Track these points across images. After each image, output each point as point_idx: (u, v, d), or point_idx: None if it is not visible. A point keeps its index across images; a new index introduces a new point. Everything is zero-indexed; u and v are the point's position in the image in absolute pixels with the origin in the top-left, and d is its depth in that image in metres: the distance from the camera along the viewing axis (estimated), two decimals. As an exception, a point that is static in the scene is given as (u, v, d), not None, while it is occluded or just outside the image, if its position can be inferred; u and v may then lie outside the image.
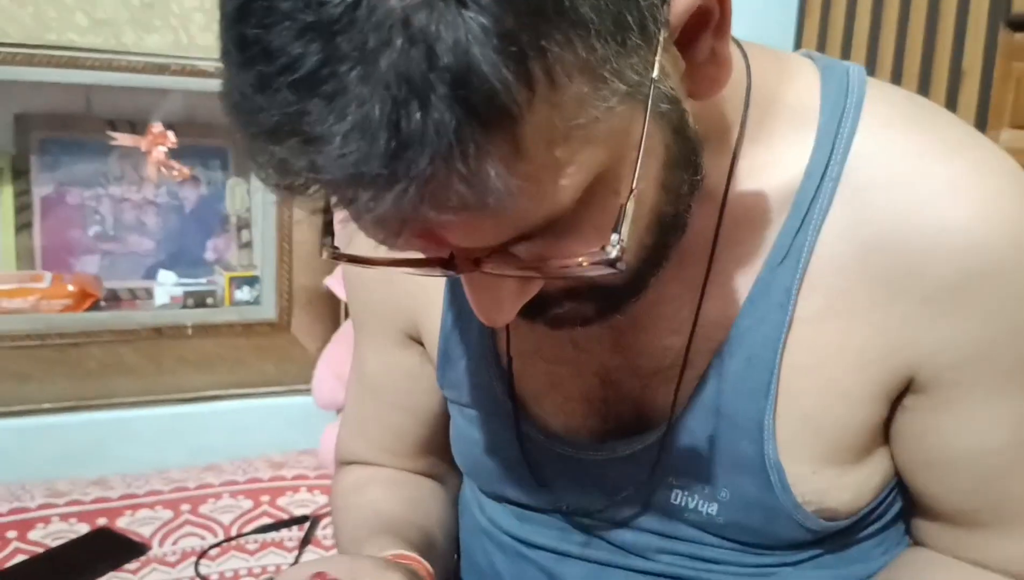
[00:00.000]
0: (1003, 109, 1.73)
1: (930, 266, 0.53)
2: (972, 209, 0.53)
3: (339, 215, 0.45)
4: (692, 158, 0.49)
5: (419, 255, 0.45)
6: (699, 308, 0.58)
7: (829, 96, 0.57)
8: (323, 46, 0.35)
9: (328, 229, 0.48)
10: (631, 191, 0.42)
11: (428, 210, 0.38)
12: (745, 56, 0.58)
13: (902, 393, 0.57)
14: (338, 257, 0.48)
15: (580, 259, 0.43)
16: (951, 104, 1.78)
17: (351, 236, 0.54)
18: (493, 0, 0.35)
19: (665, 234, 0.50)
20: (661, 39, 0.42)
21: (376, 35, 0.35)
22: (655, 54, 0.42)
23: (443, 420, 0.75)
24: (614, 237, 0.41)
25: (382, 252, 0.46)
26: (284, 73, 0.36)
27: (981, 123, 1.75)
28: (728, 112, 0.56)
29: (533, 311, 0.50)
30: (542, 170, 0.39)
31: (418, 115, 0.35)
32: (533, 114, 0.37)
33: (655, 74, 0.42)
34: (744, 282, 0.58)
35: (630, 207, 0.42)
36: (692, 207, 0.52)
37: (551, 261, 0.44)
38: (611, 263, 0.42)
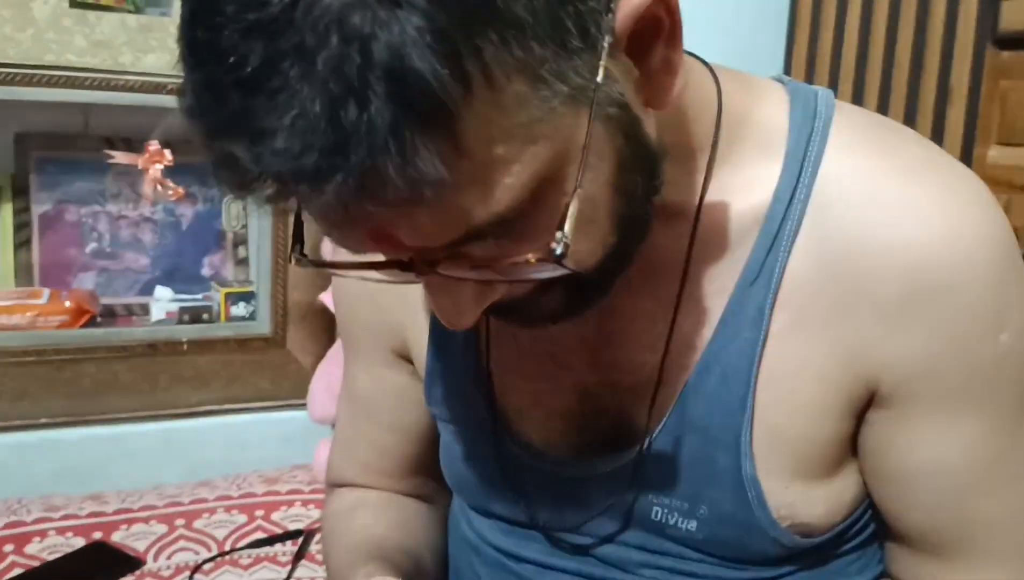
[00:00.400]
0: (991, 126, 1.74)
1: (883, 282, 0.55)
2: (926, 228, 0.54)
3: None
4: (648, 163, 0.50)
5: (380, 258, 0.46)
6: (673, 325, 0.60)
7: (797, 119, 0.59)
8: (265, 45, 0.37)
9: (297, 236, 0.50)
10: (575, 189, 0.43)
11: (367, 202, 0.39)
12: (716, 79, 0.60)
13: (866, 407, 0.59)
14: (303, 262, 0.49)
15: (528, 256, 0.44)
16: (939, 122, 1.80)
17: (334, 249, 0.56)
18: (426, 0, 0.36)
19: (626, 235, 0.50)
20: (605, 44, 0.43)
21: (313, 34, 0.36)
22: (599, 59, 0.43)
23: (432, 438, 0.76)
24: (559, 234, 0.43)
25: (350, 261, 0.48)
26: (230, 72, 0.38)
27: (969, 140, 1.77)
28: (699, 133, 0.58)
29: (502, 311, 0.52)
30: (484, 167, 0.41)
31: (355, 111, 0.36)
32: (471, 111, 0.38)
33: (600, 78, 0.43)
34: (718, 300, 0.59)
35: (574, 206, 0.43)
36: (658, 215, 0.53)
37: (503, 261, 0.45)
38: (558, 260, 0.43)
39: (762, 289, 0.58)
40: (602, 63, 0.43)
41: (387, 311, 0.73)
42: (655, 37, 0.46)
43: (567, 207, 0.43)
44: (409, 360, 0.74)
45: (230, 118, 0.39)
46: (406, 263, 0.45)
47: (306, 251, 0.50)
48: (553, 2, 0.40)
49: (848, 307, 0.56)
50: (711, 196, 0.59)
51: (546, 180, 0.43)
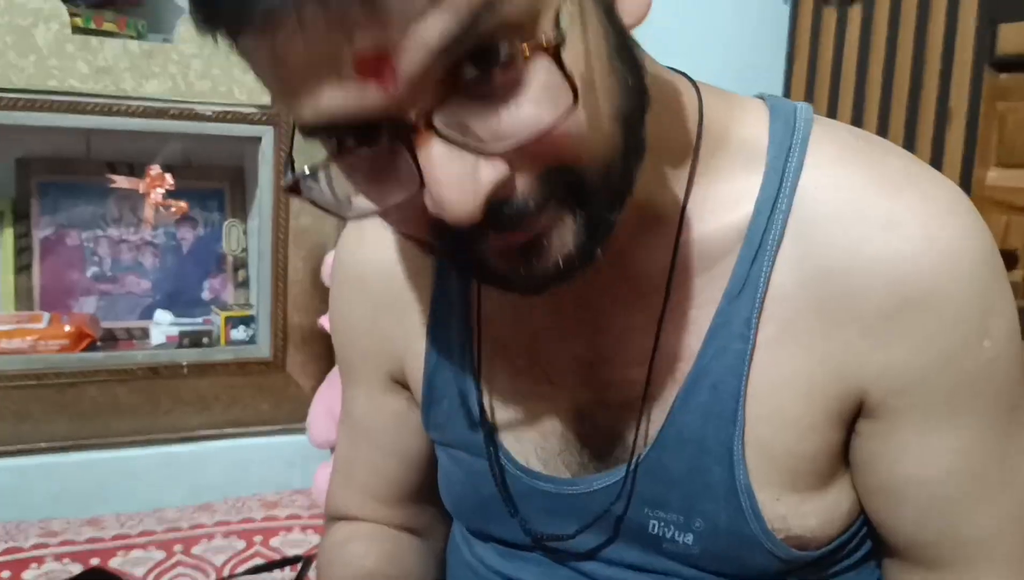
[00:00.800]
0: (989, 148, 1.75)
1: (868, 295, 0.55)
2: (907, 240, 0.55)
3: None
4: (634, 62, 0.50)
5: (383, 187, 0.46)
6: (657, 339, 0.60)
7: (777, 132, 0.59)
8: None
9: (290, 164, 0.48)
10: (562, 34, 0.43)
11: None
12: (699, 93, 0.60)
13: (855, 418, 0.59)
14: (295, 185, 0.47)
15: (525, 51, 0.42)
16: (938, 144, 1.81)
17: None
18: None
19: (628, 136, 0.49)
20: None
21: None
22: None
23: (431, 464, 0.76)
24: (552, 31, 0.43)
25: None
26: None
27: (968, 162, 1.78)
28: (681, 144, 0.59)
29: (505, 228, 0.47)
30: None
31: None
32: None
33: None
34: (704, 313, 0.59)
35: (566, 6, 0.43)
36: (641, 226, 0.53)
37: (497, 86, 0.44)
38: (555, 53, 0.42)
39: (747, 301, 0.58)
40: None
41: (384, 337, 0.73)
42: None
43: (559, 11, 0.43)
44: (406, 386, 0.74)
45: None
46: (398, 123, 0.43)
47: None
48: None
49: (834, 319, 0.57)
50: (693, 207, 0.59)
51: (531, 37, 0.43)
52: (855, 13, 1.93)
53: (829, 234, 0.56)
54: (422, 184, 0.45)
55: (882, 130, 1.88)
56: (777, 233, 0.57)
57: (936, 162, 1.79)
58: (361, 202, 0.48)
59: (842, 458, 0.61)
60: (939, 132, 1.80)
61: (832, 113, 1.98)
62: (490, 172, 0.44)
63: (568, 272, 0.50)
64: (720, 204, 0.59)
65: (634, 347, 0.61)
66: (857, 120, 1.93)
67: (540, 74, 0.44)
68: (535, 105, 0.44)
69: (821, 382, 0.57)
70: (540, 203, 0.47)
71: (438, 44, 0.41)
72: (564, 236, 0.48)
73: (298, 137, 0.47)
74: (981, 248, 0.56)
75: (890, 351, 0.56)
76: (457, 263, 0.54)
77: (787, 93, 2.06)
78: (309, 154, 0.48)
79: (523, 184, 0.46)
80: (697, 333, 0.60)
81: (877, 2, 1.89)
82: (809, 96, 2.02)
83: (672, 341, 0.60)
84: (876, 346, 0.56)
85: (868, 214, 0.56)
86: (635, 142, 0.50)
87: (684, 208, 0.59)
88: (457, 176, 0.44)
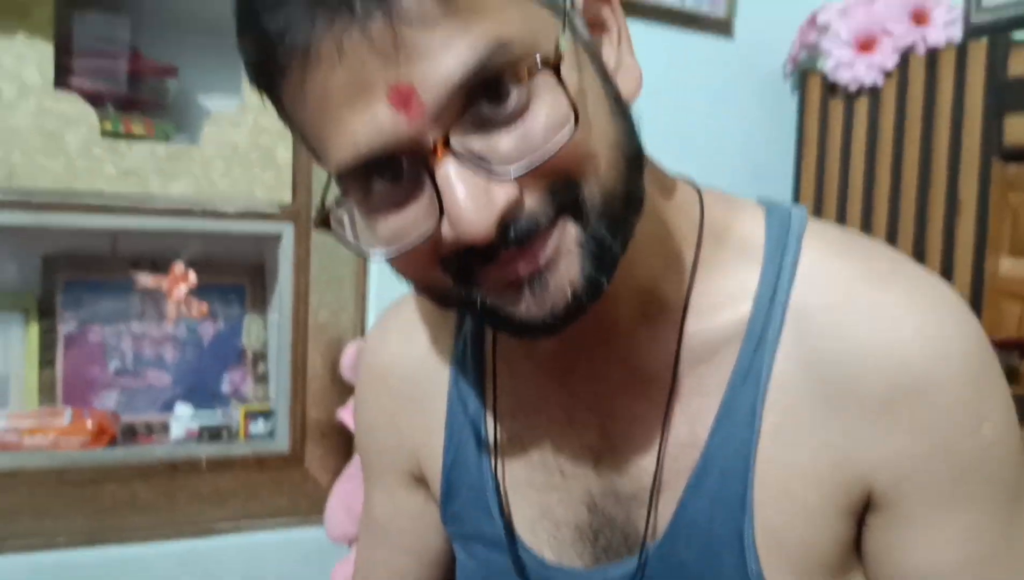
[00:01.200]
0: (1001, 238, 1.76)
1: (863, 385, 0.57)
2: (898, 330, 0.57)
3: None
4: (631, 128, 0.55)
5: (403, 224, 0.51)
6: (663, 430, 0.61)
7: (773, 231, 0.62)
8: None
9: (322, 205, 0.53)
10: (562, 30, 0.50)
11: (392, 22, 0.45)
12: (699, 195, 0.63)
13: (864, 510, 0.59)
14: (324, 217, 0.53)
15: (527, 65, 0.48)
16: (948, 235, 1.82)
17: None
18: None
19: (631, 171, 0.54)
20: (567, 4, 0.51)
21: None
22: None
23: (449, 563, 0.77)
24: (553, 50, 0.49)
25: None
26: None
27: (980, 252, 1.79)
28: (683, 243, 0.62)
29: (518, 246, 0.51)
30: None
31: None
32: None
33: (568, 4, 0.51)
34: (710, 403, 0.61)
35: (563, 39, 0.49)
36: (644, 318, 0.56)
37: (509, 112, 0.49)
38: (555, 66, 0.48)
39: (751, 390, 0.60)
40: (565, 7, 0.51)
41: (404, 434, 0.74)
42: (602, 34, 0.55)
43: (558, 40, 0.49)
44: (425, 482, 0.75)
45: None
46: (419, 149, 0.48)
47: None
48: None
49: (834, 409, 0.58)
50: (696, 299, 0.62)
51: (534, 42, 0.49)
52: (861, 105, 1.97)
53: (826, 325, 0.59)
54: (440, 214, 0.49)
55: (892, 221, 1.90)
56: (777, 325, 0.59)
57: (947, 253, 1.80)
58: (382, 243, 0.53)
59: (854, 551, 0.61)
60: (949, 223, 1.82)
61: (842, 204, 2.00)
62: (502, 192, 0.49)
63: (577, 305, 0.52)
64: (721, 296, 0.62)
65: (642, 436, 0.62)
66: (867, 211, 1.95)
67: (544, 95, 0.49)
68: (541, 129, 0.49)
69: (826, 470, 0.58)
70: (549, 218, 0.51)
71: (459, 79, 0.47)
72: (571, 266, 0.52)
73: (331, 184, 0.52)
74: (970, 335, 0.57)
75: (888, 440, 0.57)
76: (470, 307, 0.55)
77: (797, 184, 2.09)
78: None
79: (532, 201, 0.50)
80: (704, 422, 0.61)
81: (883, 94, 1.92)
82: (819, 189, 2.05)
83: (679, 430, 0.61)
84: (875, 435, 0.57)
85: (856, 305, 0.58)
86: (634, 178, 0.54)
87: (687, 302, 0.61)
88: (473, 194, 0.48)
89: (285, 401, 1.76)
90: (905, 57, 1.87)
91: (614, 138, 0.52)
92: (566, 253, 0.51)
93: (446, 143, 0.47)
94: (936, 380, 0.56)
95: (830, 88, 2.02)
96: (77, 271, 1.75)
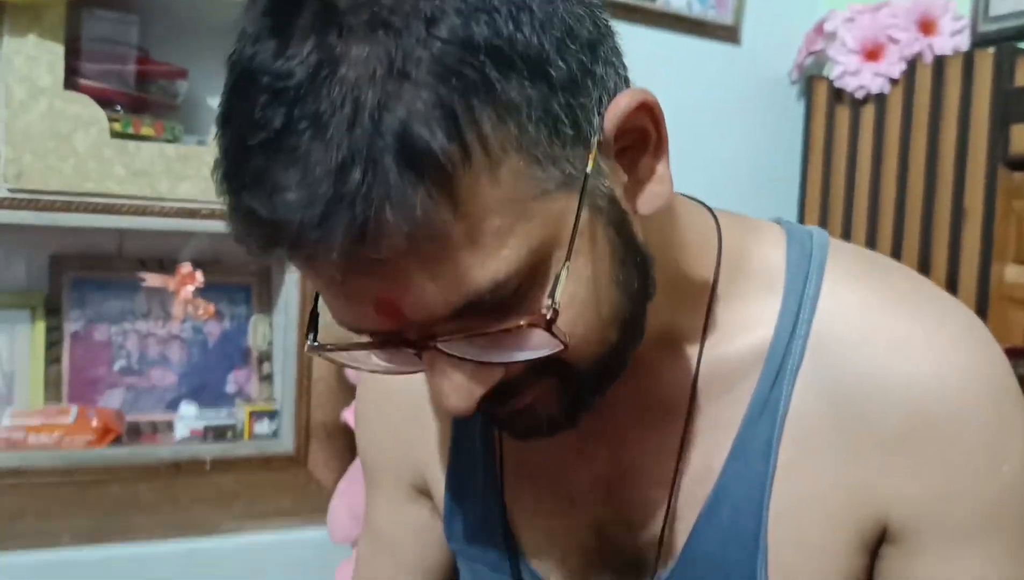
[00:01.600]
0: (1006, 246, 1.76)
1: (882, 420, 0.56)
2: (917, 365, 0.56)
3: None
4: (641, 261, 0.53)
5: (385, 340, 0.50)
6: (679, 460, 0.61)
7: (793, 258, 0.61)
8: (287, 111, 0.42)
9: (312, 325, 0.54)
10: (566, 261, 0.47)
11: (370, 252, 0.43)
12: (716, 221, 0.63)
13: (878, 543, 0.59)
14: (315, 350, 0.53)
15: (520, 322, 0.47)
16: (955, 242, 1.82)
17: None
18: (432, 77, 0.42)
19: (625, 334, 0.53)
20: (595, 141, 0.48)
21: (328, 102, 0.41)
22: (590, 151, 0.47)
23: (451, 575, 0.77)
24: (547, 301, 0.46)
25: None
26: (256, 134, 0.43)
27: (985, 260, 1.79)
28: (700, 271, 0.61)
29: (500, 418, 0.53)
30: (481, 233, 0.44)
31: (361, 170, 0.41)
32: (470, 177, 0.43)
33: (589, 169, 0.47)
34: (725, 435, 0.60)
35: (564, 276, 0.46)
36: (660, 352, 0.55)
37: (498, 330, 0.47)
38: (548, 326, 0.46)
39: (767, 424, 0.59)
40: (592, 154, 0.47)
41: (408, 447, 0.74)
42: (642, 147, 0.51)
43: (558, 278, 0.47)
44: (429, 496, 0.75)
45: (253, 174, 0.44)
46: (407, 339, 0.49)
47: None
48: (545, 92, 0.45)
49: (852, 443, 0.57)
50: (713, 332, 0.61)
51: (540, 259, 0.47)
52: (868, 112, 1.97)
53: (847, 357, 0.58)
54: None
55: (898, 228, 1.90)
56: (797, 356, 0.59)
57: (953, 260, 1.80)
58: (376, 366, 0.54)
59: None
60: (955, 230, 1.81)
61: (848, 210, 2.00)
62: (485, 379, 0.50)
63: (553, 430, 0.55)
64: (740, 327, 0.61)
65: (655, 467, 0.62)
66: (872, 219, 1.95)
67: (534, 335, 0.48)
68: (530, 351, 0.49)
69: (842, 505, 0.58)
70: (530, 383, 0.52)
71: (442, 312, 0.46)
72: (550, 406, 0.54)
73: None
74: (996, 371, 0.57)
75: (907, 475, 0.56)
76: None
77: (803, 191, 2.09)
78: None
79: (515, 373, 0.51)
80: (718, 454, 0.60)
81: (889, 102, 1.92)
82: (824, 196, 2.05)
83: (694, 462, 0.61)
84: (894, 471, 0.56)
85: (885, 337, 0.57)
86: (632, 336, 0.54)
87: (704, 333, 0.60)
88: (455, 386, 0.49)
89: (290, 402, 1.77)
90: (912, 65, 1.87)
91: (614, 313, 0.52)
92: (543, 398, 0.53)
93: (430, 342, 0.48)
94: (956, 416, 0.55)
95: (836, 95, 2.02)
96: (84, 270, 1.75)
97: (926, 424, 0.55)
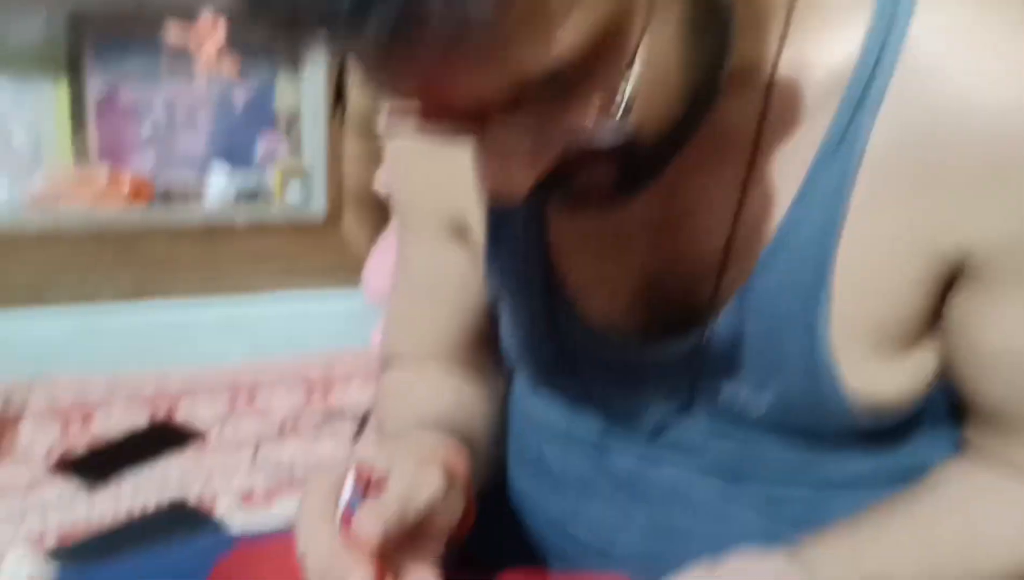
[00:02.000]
0: None
1: (972, 151, 0.52)
2: (1019, 87, 0.51)
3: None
4: (718, 24, 0.48)
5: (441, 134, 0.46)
6: (741, 204, 0.57)
7: None
8: None
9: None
10: (638, 44, 0.42)
11: (406, 46, 0.38)
12: None
13: (950, 283, 0.57)
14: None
15: (583, 109, 0.43)
16: None
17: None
18: None
19: (693, 106, 0.48)
20: None
21: None
22: None
23: (492, 315, 0.75)
24: (618, 97, 0.42)
25: None
26: None
27: None
28: (775, 2, 0.55)
29: (549, 187, 0.49)
30: (538, 14, 0.39)
31: None
32: None
33: None
34: (793, 175, 0.56)
35: (638, 63, 0.42)
36: (726, 86, 0.50)
37: (558, 122, 0.44)
38: (618, 124, 0.42)
39: (842, 161, 0.55)
40: None
41: (445, 182, 0.71)
42: None
43: (630, 65, 0.42)
44: (467, 237, 0.73)
45: None
46: (457, 120, 0.45)
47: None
48: None
49: (933, 178, 0.54)
50: (786, 63, 0.55)
51: (607, 34, 0.42)
52: None
53: (936, 83, 0.52)
54: None
55: None
56: (882, 85, 0.54)
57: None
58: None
59: (929, 323, 0.59)
60: None
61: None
62: (539, 161, 0.46)
63: (608, 206, 0.52)
64: (817, 57, 0.55)
65: (710, 213, 0.58)
66: None
67: (596, 123, 0.44)
68: (590, 138, 0.44)
69: (916, 244, 0.55)
70: (585, 165, 0.48)
71: (493, 98, 0.42)
72: (606, 183, 0.50)
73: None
74: None
75: (994, 210, 0.53)
76: None
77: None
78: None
79: (571, 156, 0.47)
80: (782, 197, 0.57)
81: None
82: None
83: (756, 204, 0.57)
84: (980, 203, 0.53)
85: (987, 63, 0.52)
86: (701, 109, 0.49)
87: (775, 64, 0.55)
88: (502, 169, 0.46)
89: (321, 165, 1.75)
90: None
91: (685, 92, 0.47)
92: (599, 177, 0.49)
93: (481, 126, 0.44)
94: None
95: None
96: (105, 29, 1.70)
97: (1015, 157, 0.51)
